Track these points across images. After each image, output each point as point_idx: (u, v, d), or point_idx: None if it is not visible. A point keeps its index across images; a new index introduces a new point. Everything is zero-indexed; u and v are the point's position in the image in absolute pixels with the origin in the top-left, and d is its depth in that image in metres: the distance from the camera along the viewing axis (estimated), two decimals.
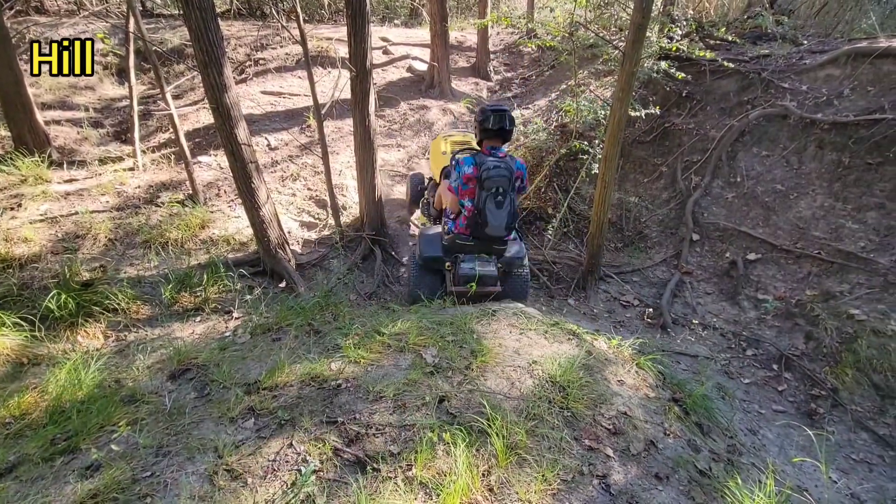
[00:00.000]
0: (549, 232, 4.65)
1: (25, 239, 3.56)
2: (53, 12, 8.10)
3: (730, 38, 4.83)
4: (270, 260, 3.81)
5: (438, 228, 3.62)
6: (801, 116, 4.17)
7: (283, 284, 3.82)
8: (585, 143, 4.58)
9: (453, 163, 3.24)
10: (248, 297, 3.52)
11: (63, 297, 2.91)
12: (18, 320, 2.80)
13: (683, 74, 4.47)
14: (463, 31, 9.69)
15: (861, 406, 2.90)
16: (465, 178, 3.11)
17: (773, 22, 5.03)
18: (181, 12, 2.79)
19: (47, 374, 2.33)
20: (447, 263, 3.37)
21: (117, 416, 1.96)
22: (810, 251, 3.70)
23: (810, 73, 4.43)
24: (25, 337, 2.76)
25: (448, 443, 1.74)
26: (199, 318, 3.30)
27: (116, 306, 3.13)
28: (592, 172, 4.38)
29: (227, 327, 3.21)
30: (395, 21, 11.01)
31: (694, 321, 3.76)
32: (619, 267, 4.46)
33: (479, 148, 3.28)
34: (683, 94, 5.00)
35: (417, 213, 5.05)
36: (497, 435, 1.76)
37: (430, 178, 4.58)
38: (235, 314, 3.36)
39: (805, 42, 4.82)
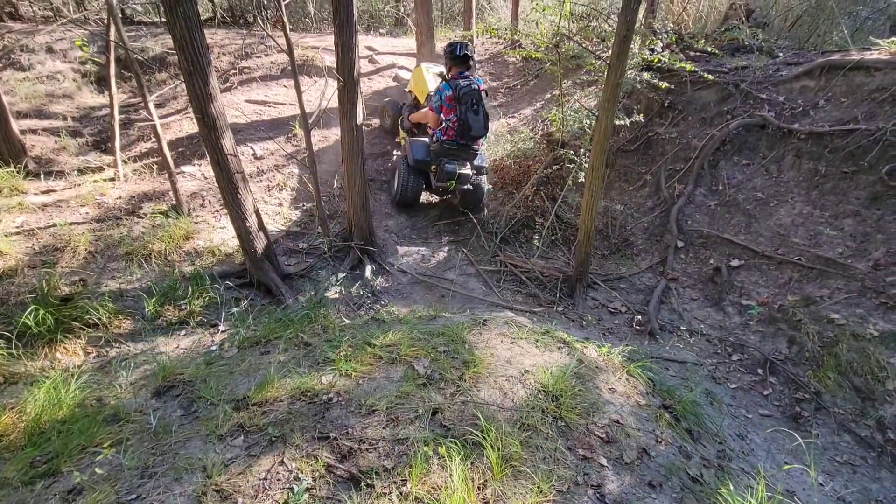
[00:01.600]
0: (537, 240, 4.68)
1: (1, 252, 3.44)
2: (29, 19, 7.92)
3: (709, 50, 4.96)
4: (257, 271, 3.75)
5: (421, 139, 4.64)
6: (778, 126, 4.29)
7: (270, 296, 3.76)
8: (571, 151, 4.64)
9: (434, 90, 4.36)
10: (235, 309, 3.45)
11: (41, 312, 2.82)
12: None
13: (666, 85, 4.57)
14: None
15: (843, 409, 2.97)
16: (447, 98, 4.21)
17: (749, 35, 5.18)
18: (165, 20, 2.76)
19: (25, 394, 2.24)
20: (433, 166, 4.50)
21: (100, 437, 1.90)
22: (791, 257, 3.80)
23: (786, 84, 4.57)
24: (1, 355, 2.66)
25: (443, 456, 1.72)
26: (184, 332, 3.23)
27: (97, 321, 3.04)
28: (579, 181, 4.44)
29: (213, 341, 3.15)
30: (381, 30, 11.05)
31: (681, 327, 3.81)
32: (606, 274, 4.50)
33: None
34: (666, 104, 5.11)
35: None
36: (491, 447, 1.75)
37: (413, 98, 5.41)
38: (222, 327, 3.29)
39: (781, 54, 4.98)
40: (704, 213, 4.50)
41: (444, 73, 4.64)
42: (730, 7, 6.17)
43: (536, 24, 5.40)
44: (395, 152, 5.77)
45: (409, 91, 5.58)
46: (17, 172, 4.40)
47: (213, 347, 2.97)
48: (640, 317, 3.94)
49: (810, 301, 3.52)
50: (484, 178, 4.78)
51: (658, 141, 5.09)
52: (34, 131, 5.30)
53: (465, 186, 4.58)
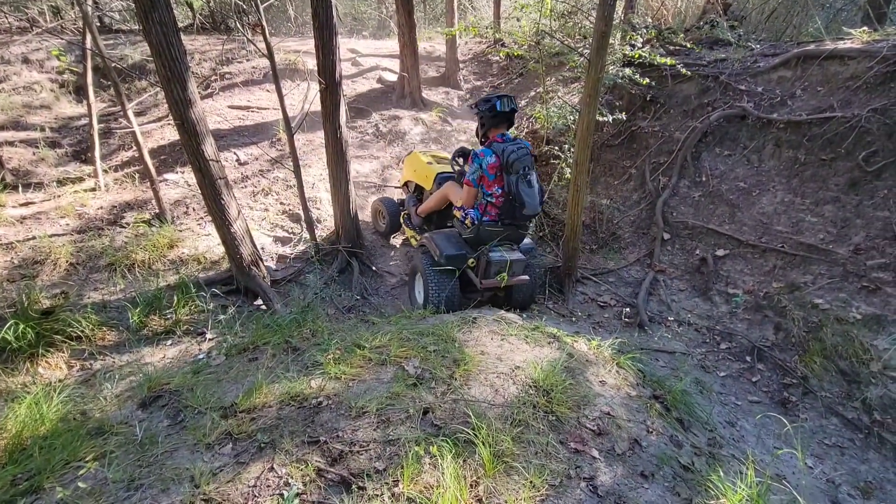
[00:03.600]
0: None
1: None
2: (3, 30, 7.77)
3: (688, 45, 5.01)
4: (244, 277, 3.71)
5: (445, 230, 3.68)
6: (758, 117, 4.35)
7: (258, 302, 3.72)
8: (556, 147, 4.66)
9: (471, 157, 3.28)
10: (222, 316, 3.41)
11: (21, 326, 2.76)
12: None
13: (647, 80, 4.61)
14: (431, 42, 9.77)
15: (830, 392, 3.01)
16: (489, 168, 3.19)
17: (727, 28, 5.25)
18: (141, 28, 2.72)
19: (6, 410, 2.19)
20: (470, 260, 3.37)
21: (84, 451, 1.85)
22: (774, 245, 3.85)
23: (764, 75, 4.64)
24: None
25: (434, 455, 1.71)
26: (170, 342, 3.18)
27: (80, 334, 2.98)
28: (565, 177, 4.46)
29: (200, 349, 3.10)
30: (364, 33, 11.03)
31: (669, 318, 3.84)
32: (595, 268, 4.53)
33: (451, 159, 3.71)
34: (648, 98, 5.16)
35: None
36: (483, 444, 1.75)
37: (415, 188, 4.55)
38: (209, 335, 3.25)
39: (758, 46, 5.05)
40: (689, 204, 4.55)
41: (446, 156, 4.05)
42: (707, 2, 6.25)
43: (518, 20, 5.42)
44: (406, 251, 4.87)
45: (405, 184, 4.71)
46: None
47: (201, 356, 2.93)
48: (629, 309, 3.97)
49: (795, 287, 3.57)
50: (533, 258, 3.78)
51: (641, 135, 5.13)
52: (11, 143, 5.20)
53: (522, 277, 3.44)
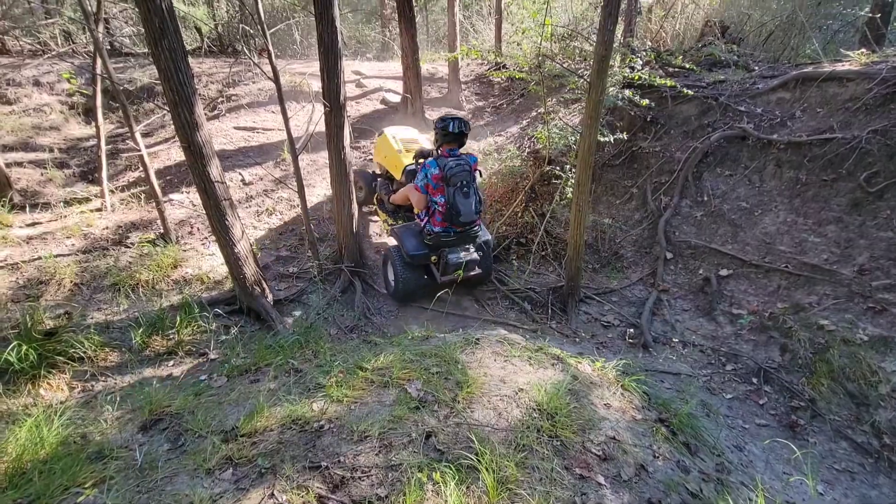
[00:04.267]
0: (528, 258, 4.70)
1: None
2: (16, 53, 7.96)
3: (687, 66, 5.09)
4: (247, 297, 3.71)
5: (411, 225, 4.15)
6: (758, 137, 4.39)
7: (261, 322, 3.72)
8: (558, 168, 4.70)
9: (419, 167, 3.85)
10: (225, 337, 3.40)
11: (24, 348, 2.75)
12: None
13: (647, 101, 4.67)
14: (434, 63, 9.94)
15: (839, 415, 2.96)
16: (434, 178, 3.70)
17: (725, 50, 5.34)
18: (151, 53, 2.78)
19: (6, 433, 2.17)
20: (433, 257, 3.95)
21: (83, 476, 1.84)
22: (778, 265, 3.84)
23: (763, 96, 4.70)
24: None
25: (437, 482, 1.69)
26: (172, 363, 3.16)
27: (83, 355, 2.98)
28: (567, 197, 4.48)
29: (202, 370, 3.09)
30: (368, 55, 11.24)
31: (674, 339, 3.81)
32: (598, 288, 4.51)
33: (429, 148, 4.10)
34: (648, 119, 5.22)
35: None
36: (487, 470, 1.72)
37: (385, 172, 4.93)
38: (211, 355, 3.23)
39: (756, 68, 5.13)
40: (691, 224, 4.55)
41: (417, 138, 4.47)
42: (705, 24, 6.37)
43: (519, 45, 5.53)
44: (382, 236, 5.19)
45: (378, 163, 5.09)
46: (2, 206, 4.36)
47: (202, 377, 2.91)
48: (632, 329, 3.94)
49: (800, 308, 3.55)
50: (489, 254, 4.34)
51: (642, 155, 5.17)
52: (20, 164, 5.28)
53: (475, 272, 4.04)
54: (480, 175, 3.94)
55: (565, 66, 5.25)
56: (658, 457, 2.05)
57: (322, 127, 3.91)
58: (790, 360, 3.35)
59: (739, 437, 2.85)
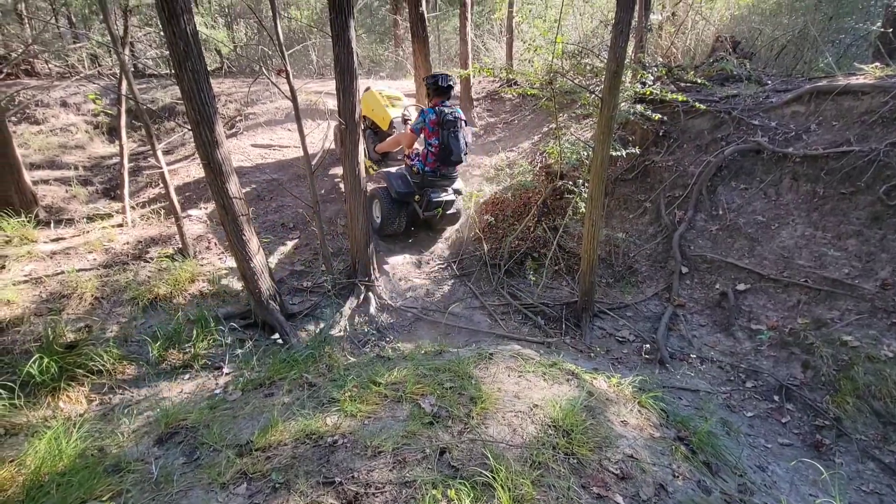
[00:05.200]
0: (541, 271, 4.68)
1: (8, 301, 3.48)
2: (45, 75, 8.30)
3: (699, 82, 5.10)
4: (262, 311, 3.75)
5: (400, 169, 4.86)
6: (773, 151, 4.35)
7: (275, 336, 3.75)
8: (570, 182, 4.70)
9: (419, 112, 4.53)
10: (240, 350, 3.43)
11: (45, 360, 2.81)
12: None
13: (659, 116, 4.67)
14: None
15: (865, 434, 2.86)
16: (431, 123, 4.38)
17: (737, 65, 5.34)
18: (174, 75, 2.89)
19: (26, 445, 2.21)
20: (416, 196, 4.69)
21: (100, 489, 1.85)
22: (797, 279, 3.76)
23: (777, 110, 4.67)
24: (3, 405, 2.63)
25: (452, 500, 1.66)
26: (188, 376, 3.20)
27: (101, 368, 3.02)
28: (580, 211, 4.47)
29: (217, 384, 3.11)
30: (381, 73, 11.48)
31: (691, 354, 3.74)
32: (612, 303, 4.46)
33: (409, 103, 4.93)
34: (661, 133, 5.21)
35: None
36: (502, 488, 1.70)
37: (371, 124, 5.55)
38: (226, 369, 3.26)
39: (769, 82, 5.11)
40: (707, 238, 4.50)
41: (400, 96, 5.05)
42: (716, 40, 6.39)
43: (530, 62, 5.58)
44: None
45: (364, 116, 5.54)
46: (28, 222, 4.50)
47: (217, 391, 2.94)
48: (648, 345, 3.88)
49: (821, 323, 3.46)
50: (461, 199, 5.17)
51: (655, 169, 5.15)
52: (46, 181, 5.46)
53: (451, 211, 4.95)
54: (466, 124, 4.60)
55: (576, 82, 5.29)
56: (678, 476, 2.00)
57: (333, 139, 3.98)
58: (813, 378, 3.26)
59: (762, 457, 2.77)
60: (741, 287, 4.04)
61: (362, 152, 3.93)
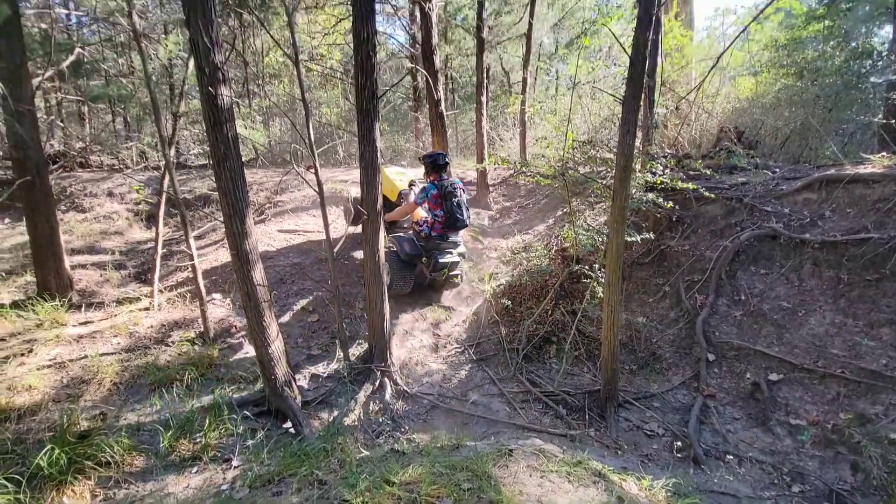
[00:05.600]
0: (560, 357, 4.56)
1: (29, 387, 3.52)
2: (97, 167, 9.10)
3: (707, 172, 5.28)
4: (276, 398, 3.70)
5: (404, 234, 5.34)
6: (789, 237, 4.37)
7: (287, 425, 3.65)
8: (587, 267, 4.74)
9: (420, 189, 5.09)
10: (251, 441, 3.34)
11: (56, 451, 2.77)
12: (4, 481, 2.63)
13: (671, 204, 4.79)
14: (464, 168, 10.67)
15: None
16: (433, 197, 4.97)
17: (744, 155, 5.55)
18: (214, 171, 3.15)
19: None
20: (423, 258, 5.20)
21: None
22: (833, 370, 3.57)
23: (788, 197, 4.76)
24: (8, 500, 2.56)
25: None
26: (195, 469, 3.09)
27: (110, 459, 2.96)
28: (598, 296, 4.45)
29: (224, 478, 2.99)
30: (402, 162, 12.22)
31: (728, 453, 3.47)
32: (637, 392, 4.27)
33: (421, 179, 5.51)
34: (674, 219, 5.31)
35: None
36: None
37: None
38: (235, 462, 3.15)
39: (777, 170, 5.26)
40: (731, 323, 4.38)
41: (407, 173, 5.74)
42: (720, 130, 6.71)
43: (543, 156, 5.91)
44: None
45: None
46: (61, 306, 4.68)
47: (224, 486, 2.82)
48: (679, 442, 3.63)
49: (865, 419, 3.22)
50: (464, 262, 5.77)
51: (671, 253, 5.18)
52: (83, 266, 5.75)
53: (457, 271, 5.46)
54: (464, 191, 5.19)
55: (588, 169, 5.55)
56: None
57: (357, 229, 4.17)
58: (864, 481, 2.97)
59: None
60: (774, 377, 3.85)
61: (382, 240, 4.08)
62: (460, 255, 5.37)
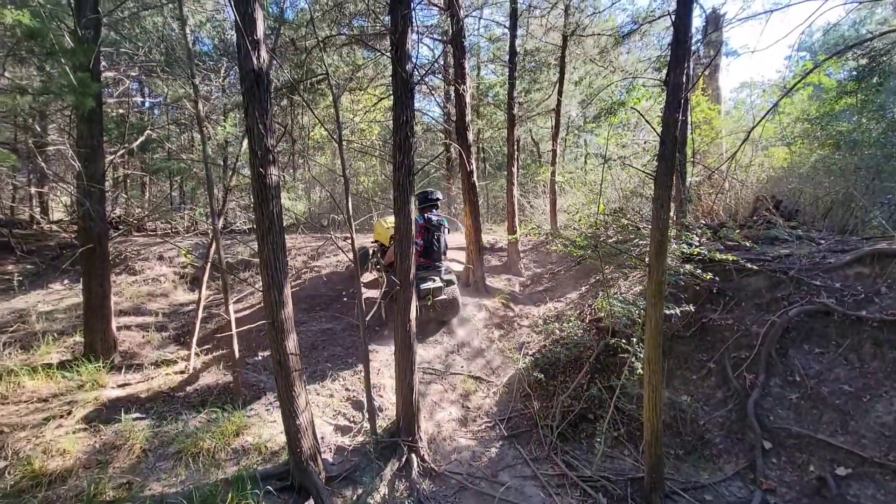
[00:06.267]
0: (599, 440, 4.28)
1: (63, 451, 3.57)
2: (151, 232, 9.77)
3: (747, 244, 5.14)
4: (300, 473, 3.59)
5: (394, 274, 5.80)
6: (844, 314, 4.10)
7: (309, 502, 3.51)
8: (623, 341, 4.56)
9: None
10: None
11: None
12: None
13: (710, 275, 4.64)
14: (494, 234, 10.81)
15: None
16: (419, 227, 5.66)
17: (784, 226, 5.40)
18: (258, 243, 3.31)
19: None
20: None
21: None
22: None
23: (838, 271, 4.53)
24: None
25: None
26: None
27: None
28: (637, 372, 4.24)
29: None
30: None
31: None
32: (685, 481, 3.90)
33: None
34: (714, 291, 5.11)
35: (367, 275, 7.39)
36: None
37: (378, 247, 6.97)
38: None
39: (822, 241, 5.06)
40: (787, 407, 4.04)
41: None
42: (756, 199, 6.61)
43: (575, 227, 5.94)
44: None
45: (374, 241, 7.24)
46: (103, 367, 4.84)
47: None
48: None
49: None
50: (455, 289, 6.14)
51: (714, 327, 4.93)
52: (128, 327, 6.00)
53: (441, 297, 5.89)
54: (448, 230, 6.02)
55: (619, 237, 5.51)
56: None
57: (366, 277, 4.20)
58: None
59: None
60: (841, 472, 3.46)
61: (414, 310, 4.10)
62: (446, 281, 5.93)
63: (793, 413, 3.97)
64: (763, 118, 4.61)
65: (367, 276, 7.32)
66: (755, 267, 4.75)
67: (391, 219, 7.00)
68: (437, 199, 5.93)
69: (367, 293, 6.60)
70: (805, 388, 4.01)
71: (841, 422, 3.69)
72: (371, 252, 7.14)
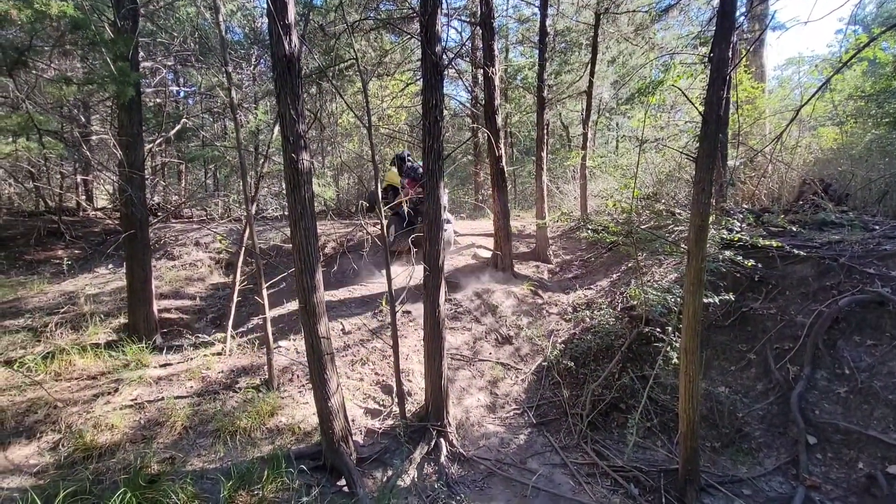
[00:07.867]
0: (631, 430, 4.19)
1: (112, 426, 3.76)
2: (188, 218, 10.10)
3: (794, 229, 4.87)
4: (332, 454, 3.67)
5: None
6: None
7: (341, 482, 3.59)
8: (658, 329, 4.42)
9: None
10: (305, 498, 3.30)
11: (128, 495, 2.89)
12: None
13: (752, 262, 4.43)
14: (522, 220, 10.66)
15: None
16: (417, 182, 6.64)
17: (834, 210, 5.09)
18: (290, 229, 3.35)
19: None
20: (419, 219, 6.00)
21: None
22: None
23: (894, 258, 4.24)
24: None
25: None
26: None
27: None
28: (672, 362, 4.12)
29: None
30: (462, 214, 12.46)
31: None
32: (722, 475, 3.78)
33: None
34: (756, 279, 4.88)
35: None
36: None
37: (384, 191, 8.01)
38: None
39: (876, 227, 4.75)
40: (834, 401, 3.84)
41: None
42: (803, 183, 6.25)
43: (607, 213, 5.76)
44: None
45: (386, 186, 8.25)
46: (146, 347, 5.05)
47: None
48: None
49: None
50: (451, 227, 7.58)
51: (755, 317, 4.72)
52: (168, 310, 6.24)
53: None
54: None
55: (653, 223, 5.31)
56: None
57: (416, 278, 4.21)
58: None
59: None
60: (893, 470, 3.27)
61: (443, 295, 4.09)
62: (444, 221, 6.93)
63: (841, 407, 3.78)
64: (814, 96, 4.32)
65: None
66: (802, 253, 4.50)
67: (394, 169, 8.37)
68: (409, 155, 7.37)
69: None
70: (855, 382, 3.80)
71: (894, 418, 3.48)
72: (382, 194, 7.89)
